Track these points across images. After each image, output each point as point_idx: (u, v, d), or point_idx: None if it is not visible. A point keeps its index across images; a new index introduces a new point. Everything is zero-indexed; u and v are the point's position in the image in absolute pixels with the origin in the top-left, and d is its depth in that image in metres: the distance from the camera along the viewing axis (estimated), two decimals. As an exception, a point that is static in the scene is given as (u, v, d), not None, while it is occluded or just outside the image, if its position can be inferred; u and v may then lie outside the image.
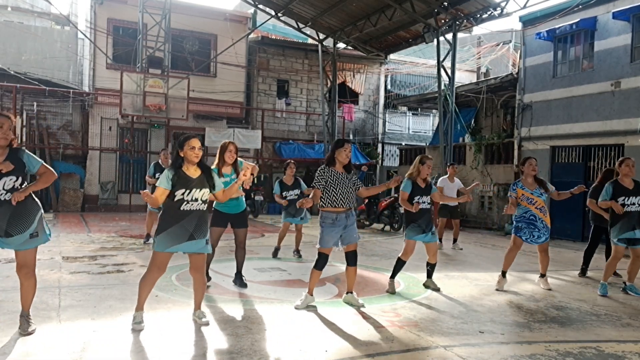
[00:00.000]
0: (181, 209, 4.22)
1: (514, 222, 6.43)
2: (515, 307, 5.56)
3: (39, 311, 4.64)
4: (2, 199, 3.87)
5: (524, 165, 6.38)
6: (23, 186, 3.95)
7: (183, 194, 4.21)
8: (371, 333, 4.41)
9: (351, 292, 5.35)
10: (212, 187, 4.38)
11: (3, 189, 3.87)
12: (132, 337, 4.06)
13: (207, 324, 4.44)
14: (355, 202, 5.26)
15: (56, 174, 4.16)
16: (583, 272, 7.69)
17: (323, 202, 5.14)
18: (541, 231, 6.26)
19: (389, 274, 6.25)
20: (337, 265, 7.70)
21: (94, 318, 4.55)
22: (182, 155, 4.28)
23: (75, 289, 5.65)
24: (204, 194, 4.30)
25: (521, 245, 6.43)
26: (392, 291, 6.05)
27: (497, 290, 6.35)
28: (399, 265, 6.14)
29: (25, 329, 4.03)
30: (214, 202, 5.78)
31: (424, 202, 6.03)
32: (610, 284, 6.52)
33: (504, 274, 6.48)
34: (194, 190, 4.24)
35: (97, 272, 6.73)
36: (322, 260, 5.18)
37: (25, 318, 4.09)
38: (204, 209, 4.35)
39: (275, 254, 8.40)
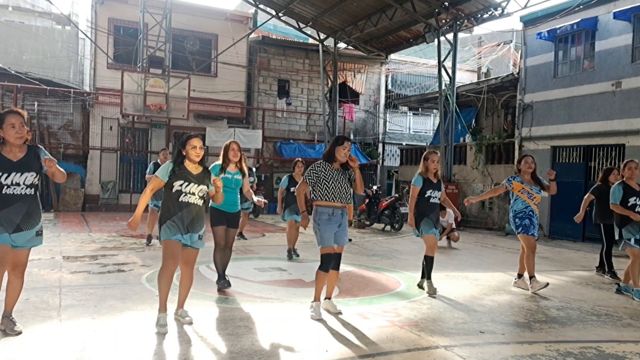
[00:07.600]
0: (179, 200, 4.34)
1: (516, 220, 6.27)
2: (516, 307, 5.56)
3: (40, 310, 4.65)
4: (23, 193, 3.89)
5: (520, 163, 6.44)
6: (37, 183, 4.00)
7: (181, 185, 4.34)
8: (372, 333, 4.41)
9: (329, 298, 5.02)
10: (208, 186, 4.50)
11: (24, 183, 3.89)
12: (132, 337, 4.07)
13: (190, 322, 4.46)
14: (352, 201, 5.13)
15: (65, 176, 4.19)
16: (614, 275, 7.42)
17: (317, 197, 4.85)
18: (536, 228, 6.31)
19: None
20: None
21: (95, 318, 4.56)
22: (184, 153, 4.41)
23: (76, 289, 5.65)
24: (201, 189, 4.43)
25: (536, 245, 6.29)
26: (432, 293, 5.84)
27: (533, 293, 6.14)
28: (429, 262, 5.97)
29: (11, 328, 3.97)
30: (210, 202, 5.75)
31: (435, 197, 6.01)
32: (611, 284, 6.51)
33: (532, 277, 6.25)
34: (192, 184, 4.37)
35: (97, 271, 6.73)
36: (327, 261, 4.80)
37: (9, 319, 4.03)
38: (201, 204, 4.46)
39: (290, 256, 8.08)
